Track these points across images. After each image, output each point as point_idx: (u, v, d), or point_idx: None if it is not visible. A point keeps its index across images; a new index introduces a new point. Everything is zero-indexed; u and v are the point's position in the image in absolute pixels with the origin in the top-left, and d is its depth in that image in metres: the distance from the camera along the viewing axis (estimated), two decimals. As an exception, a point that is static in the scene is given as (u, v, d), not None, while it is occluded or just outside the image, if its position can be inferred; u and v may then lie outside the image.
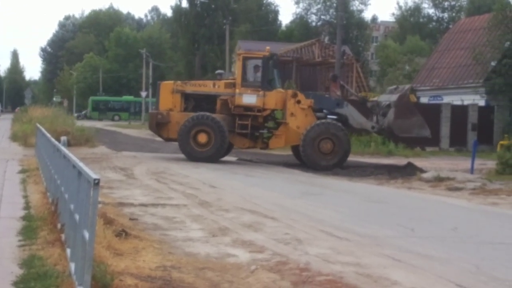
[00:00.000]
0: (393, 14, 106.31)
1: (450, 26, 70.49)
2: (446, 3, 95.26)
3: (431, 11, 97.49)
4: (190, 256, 9.05)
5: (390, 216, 13.65)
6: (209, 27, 78.29)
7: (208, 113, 24.92)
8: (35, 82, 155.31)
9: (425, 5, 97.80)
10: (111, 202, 13.16)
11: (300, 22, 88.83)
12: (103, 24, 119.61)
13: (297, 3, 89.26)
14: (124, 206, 13.18)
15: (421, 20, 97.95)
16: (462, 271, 8.65)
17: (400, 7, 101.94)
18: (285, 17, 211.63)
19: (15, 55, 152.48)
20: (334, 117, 25.36)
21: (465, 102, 41.17)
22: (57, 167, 10.93)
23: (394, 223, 12.53)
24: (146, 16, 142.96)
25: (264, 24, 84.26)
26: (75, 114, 73.71)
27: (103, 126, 57.13)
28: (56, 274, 7.42)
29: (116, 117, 74.88)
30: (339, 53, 40.84)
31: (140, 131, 52.70)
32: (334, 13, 79.17)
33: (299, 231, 11.10)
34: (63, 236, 8.75)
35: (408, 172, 23.19)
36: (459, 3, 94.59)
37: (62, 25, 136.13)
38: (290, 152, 28.37)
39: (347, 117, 25.20)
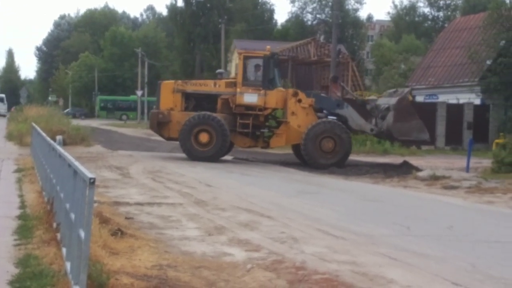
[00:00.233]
0: (389, 13, 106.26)
1: (446, 25, 70.52)
2: (441, 2, 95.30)
3: (426, 10, 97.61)
4: (186, 255, 9.04)
5: (386, 214, 13.66)
6: (204, 26, 78.15)
7: (210, 113, 24.91)
8: (30, 82, 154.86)
9: (420, 4, 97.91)
10: (106, 201, 13.14)
11: (296, 21, 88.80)
12: (99, 23, 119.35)
13: (292, 2, 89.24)
14: (119, 205, 13.16)
15: (416, 19, 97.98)
16: (458, 270, 8.65)
17: (395, 6, 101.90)
18: (281, 16, 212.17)
19: (10, 54, 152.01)
20: (334, 117, 25.38)
21: (461, 101, 41.26)
22: (53, 166, 10.92)
23: (390, 221, 12.54)
24: (141, 15, 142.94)
25: (260, 23, 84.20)
26: (65, 111, 72.91)
27: (99, 125, 57.03)
28: (51, 273, 7.41)
29: (124, 116, 74.92)
30: (334, 52, 40.87)
31: (136, 130, 52.67)
32: (330, 12, 79.30)
33: (295, 230, 11.11)
34: (58, 235, 8.74)
35: (403, 170, 23.22)
36: (454, 2, 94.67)
37: (57, 24, 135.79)
38: (286, 151, 28.41)
39: (347, 119, 25.20)
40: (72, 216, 7.18)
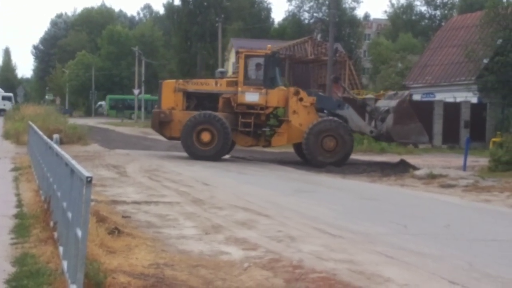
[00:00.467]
0: (386, 11, 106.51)
1: (443, 24, 70.66)
2: (438, 1, 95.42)
3: (423, 8, 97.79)
4: (183, 254, 9.04)
5: (383, 213, 13.67)
6: (201, 25, 78.05)
7: (212, 112, 24.88)
8: (27, 80, 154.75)
9: (417, 3, 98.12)
10: (104, 200, 13.13)
11: (293, 20, 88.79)
12: (95, 22, 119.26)
13: (289, 0, 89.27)
14: (117, 204, 13.16)
15: (413, 17, 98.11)
16: (455, 268, 8.66)
17: (392, 5, 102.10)
18: (278, 15, 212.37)
19: (7, 53, 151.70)
20: (334, 118, 25.36)
21: (458, 99, 41.27)
22: (50, 165, 10.91)
23: (387, 220, 12.55)
24: (138, 13, 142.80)
25: (257, 21, 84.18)
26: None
27: (96, 123, 56.98)
28: (48, 272, 7.40)
29: (133, 115, 74.94)
30: (331, 51, 40.81)
31: (132, 129, 52.62)
32: (327, 10, 79.29)
33: (292, 229, 11.11)
34: (55, 234, 8.74)
35: (400, 169, 23.24)
36: (451, 1, 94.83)
37: (54, 23, 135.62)
38: (283, 150, 28.39)
39: (347, 119, 25.17)
40: (69, 215, 7.17)
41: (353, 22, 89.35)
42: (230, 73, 49.25)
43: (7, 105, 74.05)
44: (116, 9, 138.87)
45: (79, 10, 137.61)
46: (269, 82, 25.16)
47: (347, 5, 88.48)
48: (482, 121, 39.24)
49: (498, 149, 23.12)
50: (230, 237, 10.33)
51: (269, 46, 26.72)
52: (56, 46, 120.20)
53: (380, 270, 8.39)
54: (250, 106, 25.09)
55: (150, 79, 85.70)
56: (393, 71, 62.42)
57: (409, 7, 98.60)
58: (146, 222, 11.39)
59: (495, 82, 38.62)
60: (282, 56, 55.10)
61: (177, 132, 25.15)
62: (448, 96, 42.25)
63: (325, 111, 25.73)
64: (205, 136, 24.60)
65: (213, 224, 11.38)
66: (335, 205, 14.53)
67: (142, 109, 73.64)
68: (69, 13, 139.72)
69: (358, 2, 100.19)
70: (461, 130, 38.78)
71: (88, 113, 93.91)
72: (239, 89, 25.07)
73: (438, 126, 38.59)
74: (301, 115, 24.99)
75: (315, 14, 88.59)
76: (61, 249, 7.79)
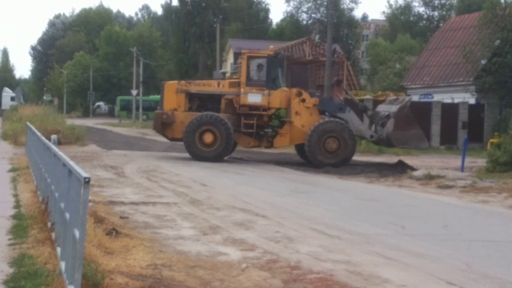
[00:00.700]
0: (384, 12, 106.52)
1: (441, 25, 70.65)
2: (436, 2, 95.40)
3: (421, 9, 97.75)
4: (181, 254, 9.04)
5: (381, 214, 13.67)
6: (199, 26, 78.01)
7: (214, 113, 24.86)
8: (25, 81, 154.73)
9: (415, 4, 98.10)
10: (101, 201, 13.14)
11: (291, 21, 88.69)
12: (93, 23, 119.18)
13: (287, 1, 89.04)
14: (114, 204, 13.15)
15: (411, 18, 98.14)
16: (453, 269, 8.67)
17: (390, 6, 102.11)
18: (276, 16, 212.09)
19: (5, 54, 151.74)
20: (341, 120, 25.33)
21: (456, 100, 41.31)
22: (48, 165, 10.90)
23: (385, 221, 12.55)
24: (136, 14, 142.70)
25: (255, 22, 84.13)
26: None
27: (94, 124, 56.95)
28: (46, 272, 7.40)
29: (144, 116, 74.92)
30: (329, 52, 40.83)
31: (130, 130, 52.60)
32: (325, 11, 79.21)
33: (289, 229, 11.11)
34: (53, 235, 8.73)
35: (398, 170, 23.26)
36: (449, 2, 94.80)
37: (52, 24, 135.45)
38: (281, 150, 28.37)
39: (348, 123, 25.18)
40: (67, 215, 7.17)
41: (351, 23, 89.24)
42: (229, 74, 49.23)
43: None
44: (114, 10, 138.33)
45: (77, 11, 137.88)
46: (271, 83, 25.16)
47: (345, 6, 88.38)
48: (480, 122, 39.28)
49: (496, 150, 23.13)
50: (228, 237, 10.33)
51: (272, 47, 26.78)
52: (54, 46, 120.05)
53: (378, 270, 8.39)
54: (253, 107, 25.09)
55: (148, 80, 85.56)
56: (391, 72, 62.45)
57: (407, 8, 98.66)
58: (144, 222, 11.39)
59: (493, 83, 38.67)
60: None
61: (179, 133, 25.13)
62: (446, 97, 42.30)
63: (326, 113, 25.72)
64: (208, 137, 24.59)
65: (211, 225, 11.38)
66: (333, 205, 14.53)
67: (140, 110, 73.50)
68: (67, 14, 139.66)
69: (356, 3, 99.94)
70: (459, 131, 38.82)
71: (86, 114, 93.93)
72: (242, 90, 25.06)
73: (436, 127, 38.61)
74: (304, 116, 25.00)
75: (313, 15, 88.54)
76: (59, 250, 7.78)
